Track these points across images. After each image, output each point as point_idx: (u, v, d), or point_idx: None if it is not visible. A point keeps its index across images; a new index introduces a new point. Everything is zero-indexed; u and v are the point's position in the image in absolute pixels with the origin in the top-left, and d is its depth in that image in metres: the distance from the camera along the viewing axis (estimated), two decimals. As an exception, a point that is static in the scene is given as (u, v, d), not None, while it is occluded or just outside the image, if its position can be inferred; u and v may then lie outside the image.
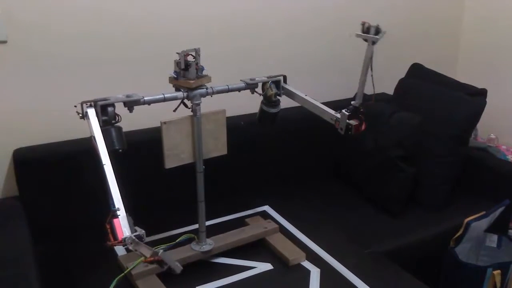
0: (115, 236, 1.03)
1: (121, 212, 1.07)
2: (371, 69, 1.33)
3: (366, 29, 1.32)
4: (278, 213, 1.78)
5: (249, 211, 1.78)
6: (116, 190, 1.10)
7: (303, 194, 1.99)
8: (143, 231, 1.06)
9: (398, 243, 1.71)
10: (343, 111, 1.37)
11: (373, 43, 1.31)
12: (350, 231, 1.72)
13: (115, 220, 1.05)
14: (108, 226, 1.05)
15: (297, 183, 2.06)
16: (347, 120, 1.37)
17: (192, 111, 1.38)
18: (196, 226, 1.50)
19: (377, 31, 1.30)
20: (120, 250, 1.52)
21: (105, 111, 1.23)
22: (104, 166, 1.12)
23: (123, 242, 1.02)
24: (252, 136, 1.90)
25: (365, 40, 1.32)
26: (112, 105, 1.24)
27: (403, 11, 2.35)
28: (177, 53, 1.32)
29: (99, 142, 1.15)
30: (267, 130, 1.85)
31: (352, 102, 1.37)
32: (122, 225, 1.05)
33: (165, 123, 1.34)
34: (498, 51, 2.42)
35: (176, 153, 1.38)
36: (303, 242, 1.60)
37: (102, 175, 1.11)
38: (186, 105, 1.38)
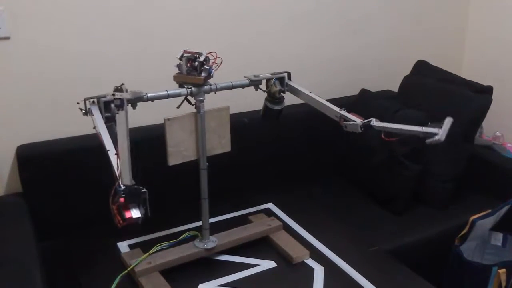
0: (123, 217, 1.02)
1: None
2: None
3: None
4: (282, 210, 1.77)
5: (252, 208, 1.77)
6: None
7: (307, 191, 1.98)
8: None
9: (403, 241, 1.71)
10: (358, 122, 1.33)
11: None
12: (354, 229, 1.71)
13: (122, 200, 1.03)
14: (114, 207, 1.03)
15: (301, 180, 2.05)
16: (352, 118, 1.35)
17: (195, 108, 1.37)
18: (199, 223, 1.50)
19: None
20: (123, 248, 1.52)
21: (108, 107, 1.22)
22: (108, 152, 1.11)
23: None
24: (256, 133, 1.89)
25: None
26: (116, 101, 1.24)
27: (408, 7, 2.33)
28: (195, 53, 1.31)
29: (104, 137, 1.15)
30: (271, 127, 1.84)
31: (372, 124, 1.32)
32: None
33: (168, 120, 1.33)
34: (504, 48, 2.40)
35: (180, 150, 1.37)
36: (307, 240, 1.60)
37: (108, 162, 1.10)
38: (189, 102, 1.37)
